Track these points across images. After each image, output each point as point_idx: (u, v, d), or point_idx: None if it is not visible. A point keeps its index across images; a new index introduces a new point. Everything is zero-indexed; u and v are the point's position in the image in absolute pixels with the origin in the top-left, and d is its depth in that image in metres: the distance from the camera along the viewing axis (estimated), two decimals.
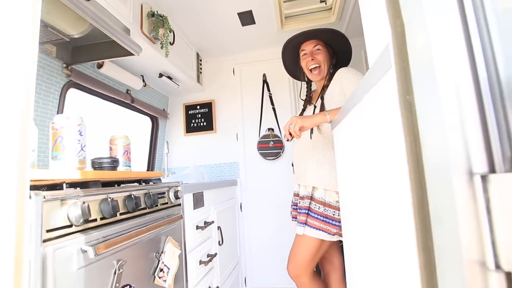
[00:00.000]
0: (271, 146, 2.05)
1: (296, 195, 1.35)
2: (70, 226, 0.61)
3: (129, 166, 0.98)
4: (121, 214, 0.77)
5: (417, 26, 0.34)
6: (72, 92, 1.37)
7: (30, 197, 0.51)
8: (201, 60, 2.23)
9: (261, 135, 2.11)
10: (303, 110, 1.39)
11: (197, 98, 2.29)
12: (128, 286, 0.75)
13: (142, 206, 0.87)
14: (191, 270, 1.15)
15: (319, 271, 1.43)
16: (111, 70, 1.47)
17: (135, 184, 0.99)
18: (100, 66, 1.41)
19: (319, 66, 1.25)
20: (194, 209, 1.29)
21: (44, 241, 0.54)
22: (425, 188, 0.33)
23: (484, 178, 0.26)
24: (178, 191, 1.09)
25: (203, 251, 1.31)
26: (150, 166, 2.11)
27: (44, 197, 0.55)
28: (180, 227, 1.10)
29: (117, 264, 0.71)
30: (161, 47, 1.53)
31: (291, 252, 1.20)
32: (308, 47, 1.28)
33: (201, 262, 1.25)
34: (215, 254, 1.38)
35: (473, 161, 0.26)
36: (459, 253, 0.27)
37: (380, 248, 0.52)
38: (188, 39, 1.99)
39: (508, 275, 0.24)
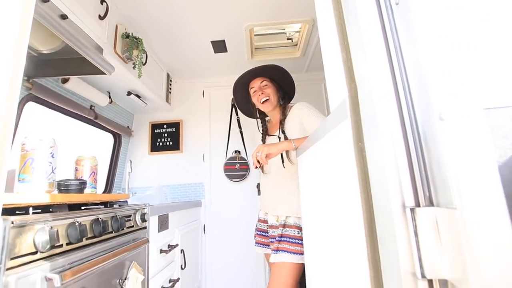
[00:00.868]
0: (237, 168, 2.11)
1: (263, 221, 1.39)
2: (35, 252, 0.58)
3: (95, 188, 0.95)
4: (87, 238, 0.75)
5: (365, 90, 0.45)
6: (30, 106, 1.29)
7: (12, 223, 0.49)
8: (171, 80, 2.25)
9: (228, 157, 2.16)
10: (263, 141, 1.45)
11: (165, 117, 2.28)
12: None
13: (109, 230, 0.85)
14: None
15: None
16: (77, 86, 1.42)
17: (101, 206, 0.95)
18: (65, 81, 1.36)
19: (269, 99, 1.35)
20: (158, 232, 1.26)
21: (7, 269, 0.51)
22: (373, 215, 0.43)
23: (412, 210, 0.36)
24: (145, 213, 1.07)
25: (166, 276, 1.28)
26: (109, 185, 2.00)
27: (13, 223, 0.53)
28: (145, 251, 1.07)
29: None
30: (134, 67, 1.54)
31: (273, 283, 1.15)
32: (256, 83, 1.39)
33: None
34: (178, 279, 1.35)
35: (405, 198, 0.37)
36: (398, 266, 0.36)
37: (337, 265, 0.60)
38: (160, 60, 2.02)
39: (430, 281, 0.34)
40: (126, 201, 1.09)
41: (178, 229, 1.51)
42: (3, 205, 0.57)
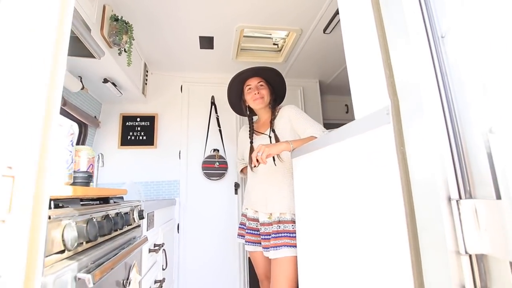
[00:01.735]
0: (216, 167, 2.10)
1: (253, 220, 1.41)
2: (63, 251, 0.53)
3: (93, 182, 0.87)
4: (100, 236, 0.69)
5: (409, 103, 0.54)
6: None
7: (49, 217, 0.44)
8: (147, 71, 2.12)
9: (206, 155, 2.13)
10: (251, 142, 1.49)
11: (139, 110, 2.13)
12: None
13: (116, 227, 0.79)
14: None
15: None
16: None
17: (96, 202, 0.88)
18: None
19: (263, 98, 1.42)
20: (147, 230, 1.20)
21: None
22: (413, 208, 0.52)
23: (457, 201, 0.45)
24: (142, 210, 1.02)
25: (152, 276, 1.22)
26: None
27: (50, 217, 0.47)
28: (140, 251, 1.01)
29: None
30: (119, 54, 1.42)
31: (280, 278, 1.18)
32: (253, 82, 1.44)
33: None
34: (164, 280, 1.29)
35: (451, 192, 0.46)
36: (444, 246, 0.45)
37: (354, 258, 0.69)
38: (140, 47, 1.89)
39: (471, 256, 0.43)
40: (122, 197, 1.01)
41: (161, 228, 1.45)
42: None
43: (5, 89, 0.40)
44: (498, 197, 0.42)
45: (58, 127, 0.59)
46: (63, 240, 0.52)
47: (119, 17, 1.33)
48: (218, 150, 2.16)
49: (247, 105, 1.49)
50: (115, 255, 0.70)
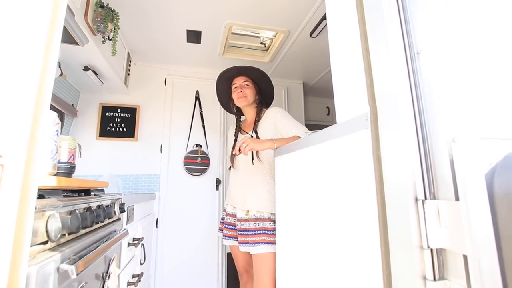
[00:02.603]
0: (198, 162, 2.09)
1: (231, 215, 1.44)
2: (46, 242, 0.52)
3: (74, 173, 0.85)
4: (82, 228, 0.68)
5: (386, 111, 0.59)
6: None
7: (36, 207, 0.44)
8: (130, 61, 2.06)
9: (188, 150, 2.11)
10: (235, 140, 1.52)
11: (120, 101, 2.06)
12: None
13: (97, 220, 0.79)
14: None
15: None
16: None
17: (75, 194, 0.86)
18: None
19: (246, 96, 1.44)
20: (126, 224, 1.18)
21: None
22: (385, 207, 0.57)
23: (423, 201, 0.51)
24: (123, 204, 1.01)
25: (130, 271, 1.21)
26: None
27: (36, 207, 0.47)
28: (120, 244, 1.00)
29: (79, 286, 0.63)
30: (103, 42, 1.37)
31: (262, 272, 1.21)
32: (239, 81, 1.47)
33: (129, 284, 1.14)
34: (142, 274, 1.28)
35: (418, 193, 0.51)
36: (410, 242, 0.50)
37: (330, 252, 0.74)
38: (123, 36, 1.83)
39: (432, 250, 0.49)
40: (103, 190, 0.99)
41: (140, 222, 1.43)
42: None
43: None
44: (457, 198, 0.48)
45: (48, 116, 0.57)
46: (46, 231, 0.51)
47: (105, 4, 1.29)
48: (200, 146, 2.15)
49: (234, 103, 1.51)
50: (97, 247, 0.70)
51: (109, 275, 0.83)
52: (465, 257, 0.46)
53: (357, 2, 0.70)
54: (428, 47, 0.56)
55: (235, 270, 1.53)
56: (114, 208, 0.95)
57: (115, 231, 0.91)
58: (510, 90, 0.54)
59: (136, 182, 2.01)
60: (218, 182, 2.15)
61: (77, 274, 0.54)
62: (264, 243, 1.23)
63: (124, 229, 0.98)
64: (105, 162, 1.94)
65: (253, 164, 1.38)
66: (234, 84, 1.47)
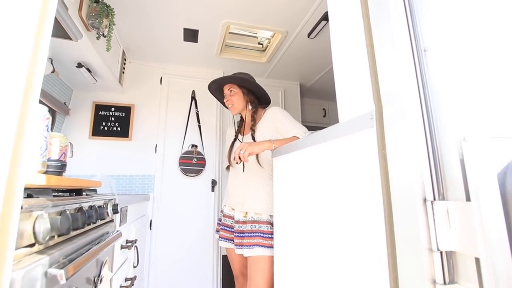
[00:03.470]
0: (194, 163, 2.05)
1: (228, 217, 1.41)
2: (33, 244, 0.49)
3: (65, 172, 0.81)
4: (73, 229, 0.65)
5: (393, 109, 0.58)
6: None
7: (22, 207, 0.41)
8: (125, 59, 2.02)
9: (184, 151, 2.07)
10: (235, 139, 1.50)
11: (114, 99, 2.02)
12: None
13: (89, 221, 0.75)
14: None
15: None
16: None
17: (66, 194, 0.82)
18: None
19: (233, 105, 1.43)
20: (120, 225, 1.14)
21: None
22: (391, 208, 0.55)
23: (432, 202, 0.49)
24: (116, 204, 0.97)
25: (123, 274, 1.16)
26: None
27: (22, 207, 0.44)
28: (113, 247, 0.96)
29: None
30: (97, 38, 1.34)
31: (254, 279, 1.19)
32: (225, 90, 1.47)
33: (121, 287, 1.10)
34: (135, 277, 1.24)
35: (426, 194, 0.50)
36: (418, 244, 0.48)
37: (332, 254, 0.72)
38: (119, 33, 1.79)
39: (441, 252, 0.47)
40: (95, 190, 0.95)
41: (134, 224, 1.39)
42: None
43: None
44: (468, 199, 0.46)
45: (37, 108, 0.54)
46: (34, 233, 0.48)
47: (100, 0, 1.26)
48: (196, 146, 2.12)
49: None
50: (88, 250, 0.66)
51: (101, 279, 0.79)
52: (477, 259, 0.44)
53: None
54: (436, 44, 0.54)
55: (230, 272, 1.50)
56: (107, 209, 0.91)
57: (107, 233, 0.88)
58: None
59: (129, 182, 1.96)
60: (214, 183, 2.12)
61: (66, 279, 0.50)
62: (259, 245, 1.21)
63: (117, 231, 0.94)
64: (97, 162, 1.89)
65: (261, 166, 1.34)
66: (224, 93, 1.48)
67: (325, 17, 1.65)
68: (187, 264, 1.95)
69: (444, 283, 0.47)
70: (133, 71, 2.11)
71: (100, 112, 1.96)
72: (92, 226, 0.77)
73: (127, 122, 2.01)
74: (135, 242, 1.26)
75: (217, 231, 1.46)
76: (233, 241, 1.34)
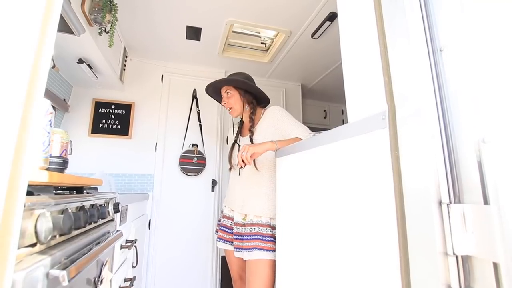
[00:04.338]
0: (194, 162, 2.03)
1: (228, 218, 1.39)
2: (35, 244, 0.47)
3: (67, 169, 0.79)
4: (75, 228, 0.63)
5: (408, 109, 0.56)
6: None
7: (25, 205, 0.39)
8: (126, 57, 2.00)
9: (184, 150, 2.05)
10: (235, 140, 1.47)
11: (114, 97, 1.99)
12: None
13: (91, 220, 0.73)
14: None
15: None
16: None
17: (66, 192, 0.80)
18: None
19: (232, 108, 1.42)
20: (120, 225, 1.12)
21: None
22: (404, 210, 0.54)
23: (447, 205, 0.47)
24: (118, 203, 0.95)
25: (122, 274, 1.14)
26: None
27: (25, 205, 0.42)
28: (113, 247, 0.94)
29: None
30: (99, 33, 1.31)
31: (252, 283, 1.17)
32: (223, 92, 1.46)
33: None
34: (134, 278, 1.22)
35: (442, 197, 0.48)
36: (433, 247, 0.47)
37: (340, 257, 0.70)
38: (121, 30, 1.77)
39: (457, 257, 0.46)
40: (96, 188, 0.93)
41: (133, 223, 1.37)
42: None
43: None
44: (486, 202, 0.45)
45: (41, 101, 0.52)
46: (35, 232, 0.46)
47: None
48: (197, 145, 2.10)
49: None
50: (90, 250, 0.64)
51: (102, 280, 0.77)
52: (495, 264, 0.43)
53: None
54: (453, 44, 0.53)
55: (229, 274, 1.48)
56: (108, 207, 0.89)
57: (108, 233, 0.85)
58: None
59: (129, 181, 1.94)
60: (214, 183, 2.10)
61: (69, 281, 0.48)
62: (258, 249, 1.18)
63: (118, 230, 0.92)
64: (96, 160, 1.86)
65: (257, 170, 1.32)
66: (222, 94, 1.47)
67: (330, 18, 1.64)
68: (186, 264, 1.93)
69: None
70: (134, 69, 2.09)
71: (100, 110, 1.93)
72: (93, 225, 0.75)
73: (127, 120, 1.99)
74: (135, 242, 1.23)
75: (217, 231, 1.44)
76: (232, 243, 1.32)
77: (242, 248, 1.23)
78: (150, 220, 1.91)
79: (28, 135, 0.38)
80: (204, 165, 2.07)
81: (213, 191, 2.09)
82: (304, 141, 1.02)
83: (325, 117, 3.06)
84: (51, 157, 0.66)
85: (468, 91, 0.50)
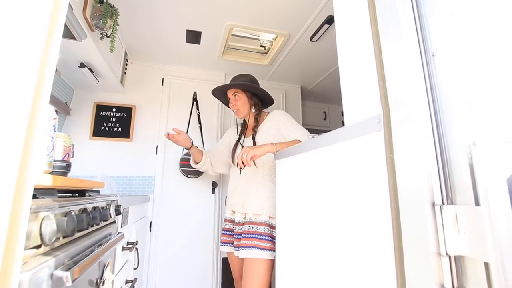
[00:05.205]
0: None
1: (229, 221, 1.41)
2: (39, 246, 0.48)
3: (69, 172, 0.80)
4: (78, 230, 0.64)
5: (402, 113, 0.58)
6: None
7: (30, 208, 0.40)
8: (127, 60, 2.02)
9: (184, 152, 2.07)
10: (238, 141, 1.50)
11: (115, 100, 2.01)
12: None
13: (93, 222, 0.74)
14: None
15: None
16: None
17: (68, 194, 0.81)
18: None
19: (239, 109, 1.46)
20: (121, 227, 1.13)
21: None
22: (398, 211, 0.55)
23: (440, 207, 0.49)
24: (119, 206, 0.96)
25: (124, 276, 1.15)
26: None
27: (31, 208, 0.43)
28: (115, 248, 0.96)
29: None
30: (101, 38, 1.34)
31: (248, 281, 1.18)
32: (230, 94, 1.48)
33: None
34: (135, 279, 1.23)
35: (435, 198, 0.50)
36: (427, 248, 0.48)
37: (337, 258, 0.71)
38: (121, 34, 1.79)
39: (450, 257, 0.47)
40: (98, 191, 0.94)
41: (135, 225, 1.38)
42: None
43: None
44: (477, 203, 0.46)
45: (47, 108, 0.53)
46: (40, 234, 0.47)
47: (104, 0, 1.26)
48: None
49: None
50: (92, 252, 0.66)
51: (103, 281, 0.78)
52: (486, 264, 0.44)
53: (369, 1, 0.69)
54: (445, 49, 0.55)
55: (230, 275, 1.49)
56: (109, 210, 0.91)
57: (110, 235, 0.87)
58: None
59: (130, 183, 1.95)
60: (214, 185, 2.11)
61: (72, 281, 0.50)
62: (255, 247, 1.20)
63: (119, 232, 0.94)
64: (98, 163, 1.88)
65: (256, 166, 1.34)
66: (229, 97, 1.49)
67: (328, 21, 1.66)
68: (186, 266, 1.94)
69: (453, 287, 0.47)
70: (135, 72, 2.11)
71: (101, 113, 1.95)
72: (95, 227, 0.76)
73: (128, 123, 2.01)
74: (136, 244, 1.25)
75: (222, 242, 1.43)
76: (233, 244, 1.34)
77: (240, 247, 1.24)
78: (151, 222, 1.93)
79: (34, 141, 0.39)
80: None
81: (214, 193, 2.10)
82: (302, 143, 1.04)
83: (324, 119, 3.07)
84: (54, 161, 0.68)
85: (459, 95, 0.51)
